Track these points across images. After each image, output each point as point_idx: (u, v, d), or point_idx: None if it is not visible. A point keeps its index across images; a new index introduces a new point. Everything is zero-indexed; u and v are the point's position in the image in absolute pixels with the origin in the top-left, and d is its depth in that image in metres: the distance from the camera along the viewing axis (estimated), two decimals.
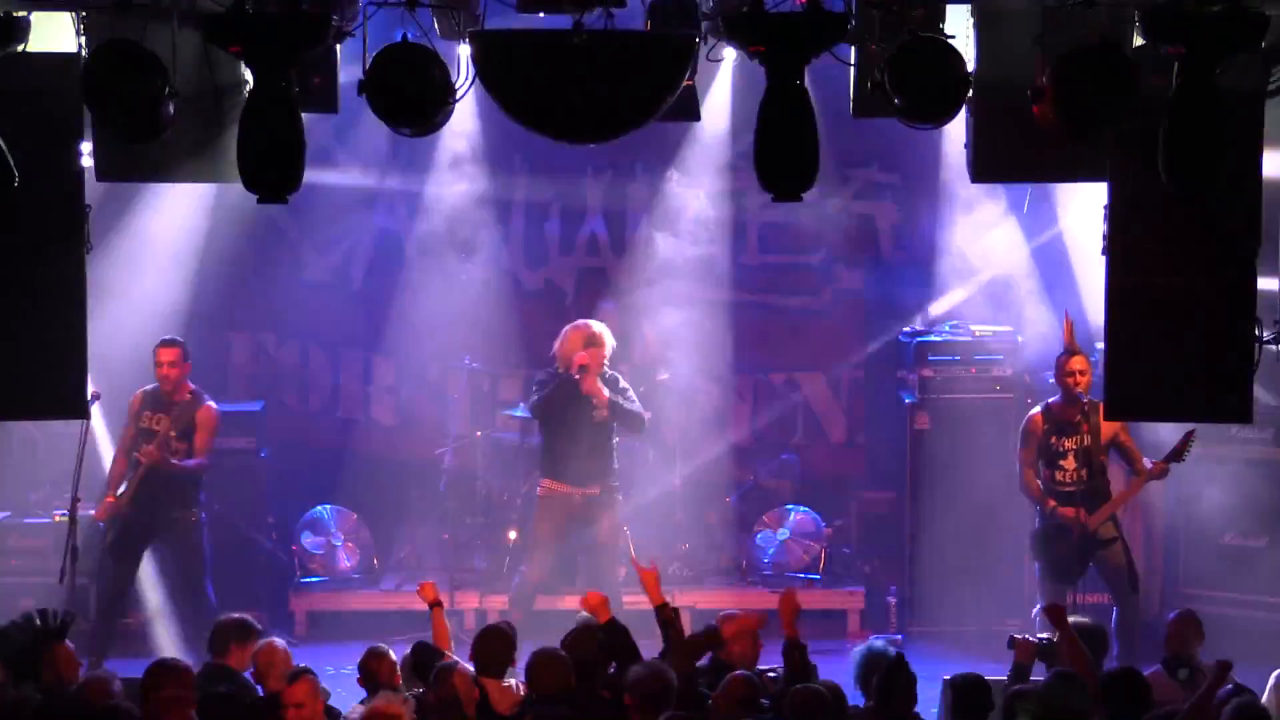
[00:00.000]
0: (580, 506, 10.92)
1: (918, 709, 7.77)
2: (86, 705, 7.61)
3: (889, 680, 7.62)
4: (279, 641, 8.30)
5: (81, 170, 8.35)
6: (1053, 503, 10.53)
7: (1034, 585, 11.04)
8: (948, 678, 7.94)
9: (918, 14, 8.12)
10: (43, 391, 8.43)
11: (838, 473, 13.17)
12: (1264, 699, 8.26)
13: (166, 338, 10.91)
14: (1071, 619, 8.65)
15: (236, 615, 8.74)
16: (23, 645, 8.27)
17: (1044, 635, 8.65)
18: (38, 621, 8.37)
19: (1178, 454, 10.35)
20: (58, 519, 11.32)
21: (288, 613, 12.04)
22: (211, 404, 10.94)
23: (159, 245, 12.16)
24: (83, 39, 8.06)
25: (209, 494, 11.26)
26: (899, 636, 11.50)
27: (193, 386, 10.87)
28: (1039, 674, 8.39)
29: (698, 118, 9.72)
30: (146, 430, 10.74)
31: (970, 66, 8.08)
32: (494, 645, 8.18)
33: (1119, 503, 10.60)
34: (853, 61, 8.37)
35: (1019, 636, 8.67)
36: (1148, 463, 10.53)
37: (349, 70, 8.36)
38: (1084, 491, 10.48)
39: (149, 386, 10.89)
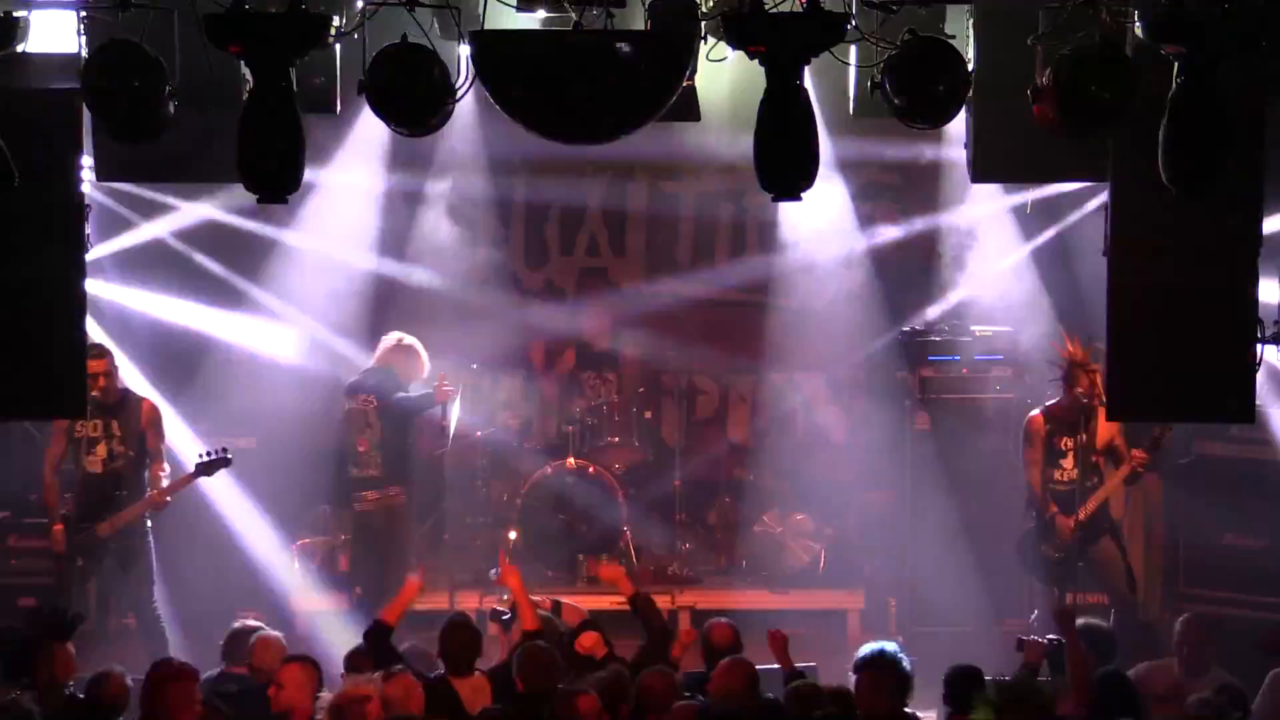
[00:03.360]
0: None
1: (919, 710, 7.80)
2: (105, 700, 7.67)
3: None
4: (272, 633, 8.33)
5: (81, 170, 8.34)
6: (1055, 508, 10.56)
7: (1034, 585, 11.05)
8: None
9: (918, 14, 8.12)
10: (43, 391, 8.42)
11: (838, 473, 13.17)
12: (1258, 700, 8.27)
13: (92, 345, 10.15)
14: (1081, 620, 8.68)
15: (252, 622, 8.78)
16: (23, 640, 8.29)
17: (1052, 637, 8.66)
18: (45, 616, 8.40)
19: (1156, 442, 10.36)
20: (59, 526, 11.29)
21: (288, 613, 12.03)
22: (148, 398, 10.76)
23: (160, 245, 12.18)
24: (83, 39, 8.05)
25: (207, 493, 11.25)
26: (898, 637, 11.49)
27: (120, 385, 10.65)
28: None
29: (698, 118, 9.74)
30: (84, 440, 10.48)
31: (970, 66, 8.08)
32: (462, 639, 8.22)
33: (1106, 492, 10.60)
34: (853, 61, 8.37)
35: (1028, 638, 8.70)
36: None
37: (349, 70, 8.36)
38: (1079, 490, 10.50)
39: None
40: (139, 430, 10.59)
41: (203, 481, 10.99)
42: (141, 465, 10.61)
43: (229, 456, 10.72)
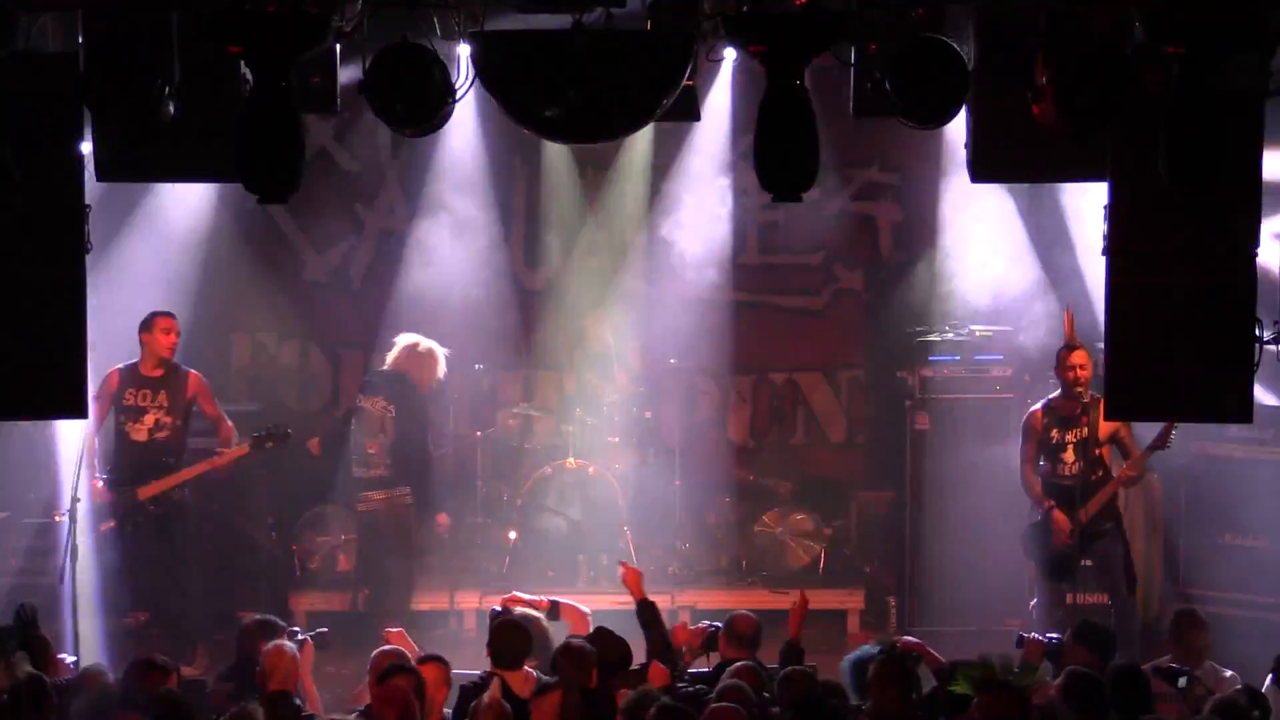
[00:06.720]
0: None
1: None
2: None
3: (890, 666, 7.65)
4: (289, 646, 8.31)
5: (82, 170, 8.34)
6: (1050, 503, 10.55)
7: (1034, 584, 11.06)
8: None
9: (918, 14, 8.13)
10: (43, 391, 8.43)
11: (838, 473, 13.16)
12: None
13: (162, 309, 10.92)
14: (1081, 620, 8.67)
15: (259, 616, 8.80)
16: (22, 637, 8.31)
17: (1052, 635, 8.67)
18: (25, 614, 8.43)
19: (1161, 441, 10.37)
20: (58, 519, 11.32)
21: (288, 613, 12.02)
22: (193, 370, 11.01)
23: (159, 246, 12.18)
24: (83, 39, 8.06)
25: (209, 493, 11.27)
26: (898, 637, 11.48)
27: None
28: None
29: (698, 118, 9.75)
30: (133, 408, 10.80)
31: (970, 66, 8.09)
32: (509, 637, 8.22)
33: (1109, 491, 10.60)
34: (853, 61, 8.38)
35: (1028, 636, 8.70)
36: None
37: (349, 70, 8.37)
38: (1082, 484, 10.51)
39: (125, 364, 10.91)
40: (185, 401, 10.87)
41: (203, 482, 11.02)
42: (186, 435, 10.92)
43: (288, 432, 10.96)
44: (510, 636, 8.24)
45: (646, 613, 8.66)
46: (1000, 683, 7.41)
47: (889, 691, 7.59)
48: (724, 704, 7.22)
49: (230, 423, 11.02)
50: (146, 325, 10.84)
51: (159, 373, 10.84)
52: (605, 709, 7.62)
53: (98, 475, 10.79)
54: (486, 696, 7.44)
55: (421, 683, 7.61)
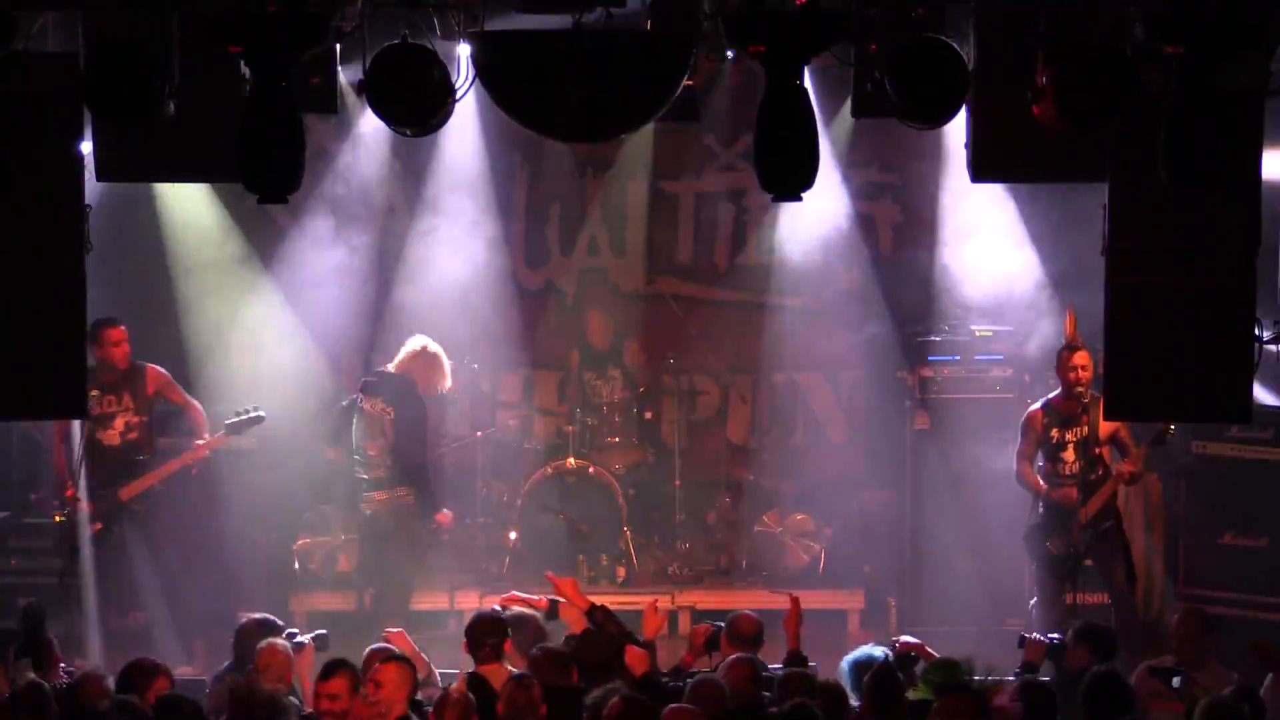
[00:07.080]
0: None
1: None
2: (84, 702, 7.65)
3: (879, 682, 7.63)
4: (282, 643, 8.30)
5: (82, 170, 8.35)
6: (1045, 486, 10.56)
7: (1033, 584, 11.06)
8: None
9: (918, 14, 8.13)
10: (43, 391, 8.43)
11: (838, 473, 13.16)
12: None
13: (106, 317, 10.66)
14: (1081, 621, 8.67)
15: (258, 616, 8.80)
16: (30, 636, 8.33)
17: (1054, 635, 8.67)
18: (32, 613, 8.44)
19: (1160, 437, 10.38)
20: (58, 519, 11.33)
21: (288, 613, 12.02)
22: (150, 364, 11.01)
23: (159, 246, 12.19)
24: (83, 39, 8.06)
25: (209, 493, 11.27)
26: (897, 637, 11.46)
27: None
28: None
29: (698, 118, 9.74)
30: (100, 416, 10.75)
31: (970, 66, 8.09)
32: (479, 629, 8.24)
33: (1110, 490, 10.61)
34: (853, 62, 8.38)
35: (1030, 636, 8.70)
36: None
37: (349, 70, 8.37)
38: (1082, 484, 10.51)
39: None
40: (149, 398, 10.89)
41: (203, 482, 11.02)
42: (153, 431, 10.94)
43: (261, 415, 11.01)
44: (479, 628, 8.27)
45: (598, 616, 8.61)
46: (959, 685, 7.40)
47: (880, 706, 7.58)
48: (680, 705, 7.17)
49: (200, 407, 11.04)
50: (94, 338, 10.44)
51: (122, 370, 10.83)
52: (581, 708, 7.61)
53: (72, 487, 10.75)
54: (452, 688, 7.45)
55: (359, 680, 7.60)
